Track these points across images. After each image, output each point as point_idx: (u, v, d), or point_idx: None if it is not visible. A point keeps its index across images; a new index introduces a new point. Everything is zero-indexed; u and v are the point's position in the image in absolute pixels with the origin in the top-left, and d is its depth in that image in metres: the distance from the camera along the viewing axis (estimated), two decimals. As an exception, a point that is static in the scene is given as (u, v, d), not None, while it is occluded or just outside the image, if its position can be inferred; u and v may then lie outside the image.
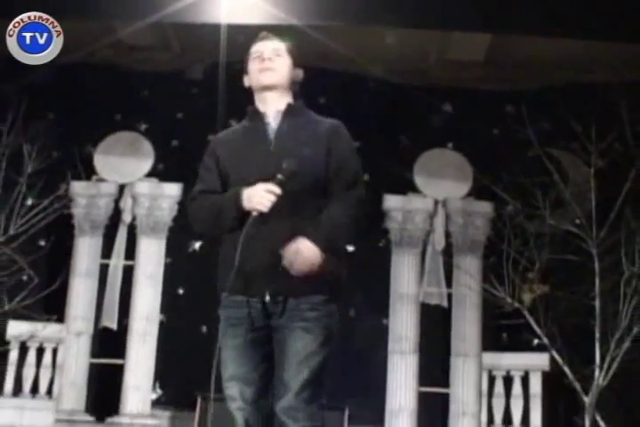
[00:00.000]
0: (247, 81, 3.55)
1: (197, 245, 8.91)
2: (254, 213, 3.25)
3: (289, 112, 3.48)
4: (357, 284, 7.75)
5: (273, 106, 3.48)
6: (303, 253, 3.21)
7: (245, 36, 7.76)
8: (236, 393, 3.33)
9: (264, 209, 3.23)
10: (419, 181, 8.56)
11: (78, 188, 8.60)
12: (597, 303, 7.68)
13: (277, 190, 3.23)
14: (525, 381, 8.07)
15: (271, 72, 3.46)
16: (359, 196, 3.43)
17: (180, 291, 8.80)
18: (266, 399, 3.34)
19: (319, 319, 3.32)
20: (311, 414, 3.26)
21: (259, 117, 3.49)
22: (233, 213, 3.32)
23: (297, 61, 3.58)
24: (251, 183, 3.31)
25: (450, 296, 8.47)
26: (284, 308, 3.33)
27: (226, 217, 3.36)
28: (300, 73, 3.57)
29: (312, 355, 3.29)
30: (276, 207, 3.27)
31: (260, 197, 3.24)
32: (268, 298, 3.32)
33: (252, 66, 3.51)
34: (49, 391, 8.24)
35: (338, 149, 3.46)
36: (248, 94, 3.52)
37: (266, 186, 3.25)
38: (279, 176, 3.24)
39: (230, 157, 3.41)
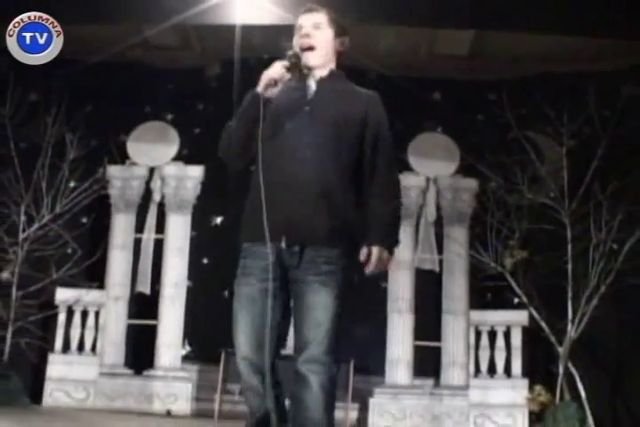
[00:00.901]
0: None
1: (219, 219, 9.03)
2: (278, 85, 3.10)
3: (330, 77, 3.32)
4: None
5: (317, 72, 3.30)
6: (377, 262, 3.17)
7: (257, 36, 7.96)
8: (241, 341, 3.18)
9: (275, 76, 3.10)
10: (412, 161, 8.57)
11: (114, 171, 8.68)
12: (569, 266, 7.77)
13: (286, 64, 3.13)
14: (507, 335, 8.08)
15: (310, 52, 3.26)
16: (397, 179, 3.36)
17: (205, 260, 8.92)
18: (270, 346, 3.12)
19: (334, 273, 3.16)
20: (329, 365, 3.14)
21: (303, 78, 3.30)
22: (249, 103, 3.14)
23: (341, 30, 3.35)
24: (282, 138, 3.18)
25: (441, 262, 8.50)
26: (300, 259, 3.16)
27: (244, 112, 3.17)
28: (345, 40, 3.36)
29: (329, 308, 3.14)
30: (302, 161, 3.13)
31: (275, 65, 3.14)
32: (283, 245, 3.13)
33: (296, 40, 3.33)
34: (93, 349, 8.31)
35: (376, 114, 3.33)
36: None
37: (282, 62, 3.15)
38: (290, 53, 3.17)
39: (268, 111, 3.17)
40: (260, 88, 3.14)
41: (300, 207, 3.13)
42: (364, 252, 3.19)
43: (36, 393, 8.02)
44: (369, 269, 3.20)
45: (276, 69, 3.14)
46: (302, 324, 3.15)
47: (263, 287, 3.16)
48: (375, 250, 3.18)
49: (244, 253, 3.28)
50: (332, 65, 3.36)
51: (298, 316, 3.18)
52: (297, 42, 3.31)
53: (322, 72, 3.31)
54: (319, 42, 3.28)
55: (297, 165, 3.14)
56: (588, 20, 7.00)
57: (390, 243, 3.26)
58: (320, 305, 3.14)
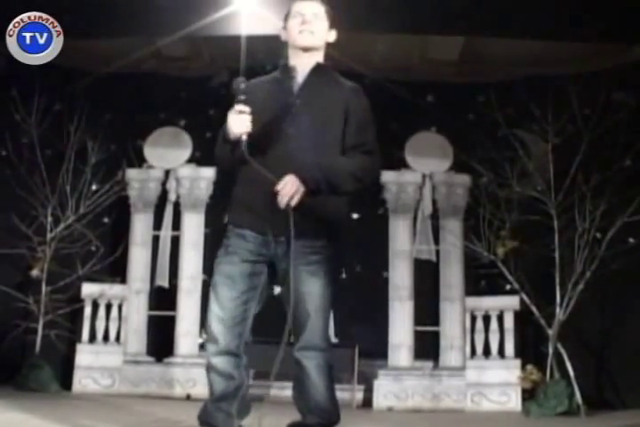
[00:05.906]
0: (284, 35, 3.35)
1: (230, 216, 9.19)
2: (243, 137, 3.04)
3: (317, 70, 3.29)
4: (362, 244, 8.08)
5: (304, 63, 3.28)
6: (286, 186, 2.99)
7: (261, 46, 8.00)
8: (215, 316, 3.15)
9: (239, 130, 3.01)
10: (409, 158, 8.56)
11: (132, 174, 8.69)
12: (557, 254, 7.73)
13: (246, 109, 3.03)
14: (500, 319, 8.04)
15: (310, 35, 3.26)
16: (371, 160, 3.20)
17: (218, 255, 9.04)
18: (241, 326, 3.14)
19: (322, 262, 3.16)
20: (324, 349, 3.19)
21: (288, 71, 3.29)
22: (225, 143, 3.14)
23: (332, 23, 3.36)
24: (268, 130, 3.10)
25: (437, 252, 8.47)
26: (287, 249, 3.09)
27: (224, 149, 3.16)
28: (333, 34, 3.37)
29: (320, 297, 3.16)
30: (287, 152, 3.09)
31: (233, 121, 3.04)
32: (270, 237, 3.12)
33: (293, 24, 3.29)
34: (117, 338, 8.32)
35: (357, 108, 3.25)
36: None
37: (234, 108, 3.05)
38: (239, 96, 3.05)
39: (254, 105, 3.10)
40: (232, 134, 3.06)
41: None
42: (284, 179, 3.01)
43: (66, 380, 8.02)
44: (280, 196, 3.01)
45: (240, 124, 3.04)
46: (295, 313, 3.13)
47: (244, 268, 3.16)
48: (290, 177, 3.01)
49: (229, 233, 3.25)
50: (320, 57, 3.35)
51: (291, 305, 3.12)
52: (292, 26, 3.30)
53: (310, 63, 3.29)
54: (318, 30, 3.30)
55: (284, 157, 3.10)
56: (569, 27, 6.99)
57: (312, 178, 3.04)
58: (311, 294, 3.15)
